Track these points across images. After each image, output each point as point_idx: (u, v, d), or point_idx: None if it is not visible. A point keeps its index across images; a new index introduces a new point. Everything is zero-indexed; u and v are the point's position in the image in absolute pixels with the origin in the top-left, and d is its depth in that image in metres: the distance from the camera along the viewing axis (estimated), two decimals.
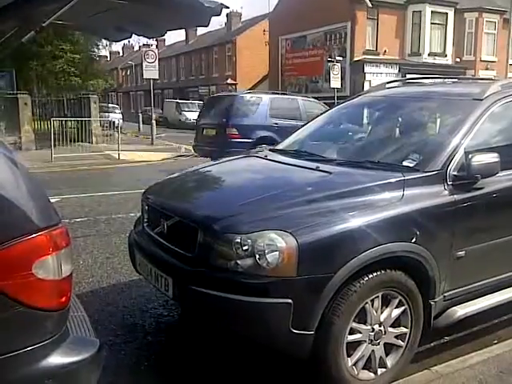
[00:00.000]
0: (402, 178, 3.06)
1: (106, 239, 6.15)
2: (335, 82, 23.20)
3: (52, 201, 2.10)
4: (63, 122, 16.97)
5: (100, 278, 4.81)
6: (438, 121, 3.84)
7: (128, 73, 61.33)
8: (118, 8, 2.73)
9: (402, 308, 3.01)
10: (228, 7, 2.99)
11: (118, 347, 3.47)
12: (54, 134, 15.09)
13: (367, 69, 25.56)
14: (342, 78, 24.31)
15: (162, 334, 3.75)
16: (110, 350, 3.40)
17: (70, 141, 16.76)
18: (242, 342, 3.17)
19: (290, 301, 2.60)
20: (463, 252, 3.16)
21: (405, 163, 3.30)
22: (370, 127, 4.34)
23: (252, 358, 3.31)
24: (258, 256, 2.64)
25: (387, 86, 4.63)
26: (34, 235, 1.83)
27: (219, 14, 2.85)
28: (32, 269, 1.81)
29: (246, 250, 2.66)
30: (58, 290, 1.93)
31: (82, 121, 17.97)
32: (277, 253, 2.61)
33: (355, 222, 2.77)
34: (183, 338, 3.80)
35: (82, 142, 17.36)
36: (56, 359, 1.91)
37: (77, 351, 2.01)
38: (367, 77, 25.38)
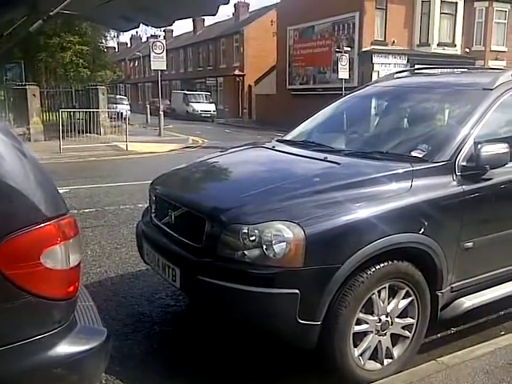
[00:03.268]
0: (411, 169, 3.05)
1: (114, 230, 6.18)
2: (343, 73, 23.06)
3: (60, 192, 2.12)
4: (71, 114, 17.00)
5: (108, 268, 4.83)
6: (447, 111, 3.81)
7: (136, 64, 61.29)
8: None
9: (409, 299, 3.01)
10: None
11: (125, 337, 3.49)
12: (63, 125, 15.14)
13: (375, 59, 25.34)
14: (350, 69, 24.15)
15: (169, 324, 3.77)
16: (117, 340, 3.43)
17: (79, 132, 16.81)
18: (249, 332, 3.18)
19: (296, 291, 2.60)
20: (471, 243, 3.14)
21: (413, 154, 3.28)
22: (378, 118, 4.31)
23: (259, 348, 3.32)
24: (265, 246, 2.64)
25: (396, 76, 4.59)
26: (42, 225, 1.84)
27: (227, 3, 2.83)
28: (40, 258, 1.82)
29: (253, 240, 2.67)
30: (66, 279, 1.94)
31: (90, 112, 18.01)
32: (284, 243, 2.61)
33: (363, 212, 2.77)
34: (190, 328, 3.82)
35: (90, 133, 17.40)
36: (64, 348, 1.93)
37: (84, 340, 2.02)
38: (375, 67, 25.17)
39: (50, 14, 2.28)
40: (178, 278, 2.96)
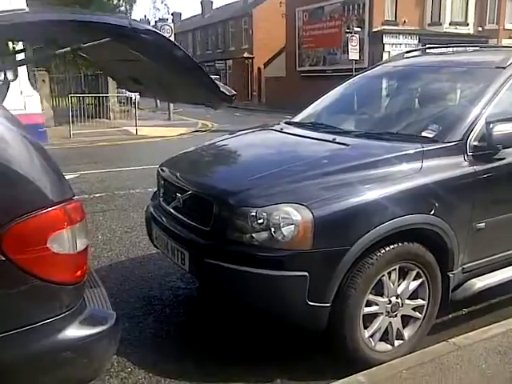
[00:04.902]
0: (421, 149, 3.00)
1: (125, 214, 6.20)
2: (353, 54, 22.78)
3: (71, 176, 2.14)
4: (81, 99, 17.01)
5: (119, 252, 4.86)
6: (459, 90, 3.73)
7: None
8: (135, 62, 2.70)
9: (420, 280, 2.99)
10: None
11: (136, 320, 3.52)
12: (72, 110, 15.16)
13: (386, 40, 24.98)
14: (361, 50, 23.85)
15: (179, 306, 3.78)
16: (128, 323, 3.46)
17: (88, 117, 16.83)
18: (258, 314, 3.18)
19: (305, 274, 2.59)
20: (483, 224, 3.10)
21: (424, 134, 3.23)
22: (388, 98, 4.25)
23: (269, 330, 3.32)
24: (273, 229, 2.62)
25: (406, 55, 4.50)
26: (48, 210, 1.84)
27: None
28: (47, 243, 1.82)
29: (262, 223, 2.65)
30: (73, 264, 1.94)
31: (99, 97, 18.01)
32: (292, 226, 2.59)
33: (372, 194, 2.74)
34: (201, 310, 3.84)
35: (99, 118, 17.42)
36: (73, 332, 1.94)
37: (93, 324, 2.03)
38: (386, 48, 24.82)
39: (62, 50, 2.27)
40: (187, 261, 2.96)
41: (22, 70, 8.03)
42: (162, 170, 3.59)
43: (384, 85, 4.34)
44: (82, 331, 1.98)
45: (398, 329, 2.98)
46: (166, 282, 4.14)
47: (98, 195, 7.18)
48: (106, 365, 2.23)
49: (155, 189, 3.79)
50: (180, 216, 3.15)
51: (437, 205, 2.88)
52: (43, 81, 16.68)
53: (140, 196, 7.03)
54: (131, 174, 8.78)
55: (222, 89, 2.52)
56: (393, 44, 24.96)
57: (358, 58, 23.09)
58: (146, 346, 3.20)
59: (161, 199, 3.51)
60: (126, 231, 5.50)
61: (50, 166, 1.92)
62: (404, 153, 2.98)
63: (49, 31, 2.25)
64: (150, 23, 60.05)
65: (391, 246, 2.78)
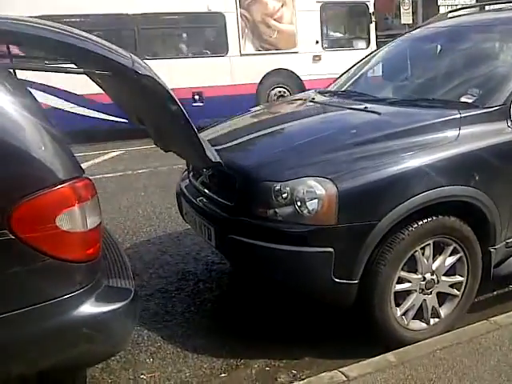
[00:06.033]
0: (458, 116, 2.80)
1: (166, 189, 6.21)
2: (406, 18, 21.76)
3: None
4: None
5: (157, 227, 4.90)
6: (503, 52, 3.44)
7: None
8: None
9: (457, 256, 2.82)
10: None
11: (169, 294, 3.54)
12: None
13: (441, 1, 23.75)
14: (414, 13, 22.78)
15: (212, 281, 3.77)
16: (161, 298, 3.49)
17: None
18: (287, 291, 3.11)
19: (330, 249, 2.49)
20: None
21: (463, 99, 3.01)
22: (428, 62, 3.98)
23: (299, 307, 3.25)
24: (297, 204, 2.53)
25: (449, 15, 4.21)
26: (56, 187, 1.83)
27: None
28: (56, 221, 1.82)
29: (286, 197, 2.56)
30: (84, 241, 1.93)
31: None
32: (316, 200, 2.49)
33: (402, 165, 2.58)
34: (233, 285, 3.83)
35: None
36: (88, 309, 1.94)
37: (110, 301, 2.03)
38: (441, 9, 23.55)
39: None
40: (213, 237, 2.92)
41: None
42: None
43: (424, 48, 4.07)
44: (98, 308, 1.98)
45: (433, 307, 2.84)
46: (200, 258, 4.14)
47: (141, 171, 7.26)
48: (125, 341, 2.23)
49: None
50: (206, 191, 3.11)
51: (475, 175, 2.69)
52: None
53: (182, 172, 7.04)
54: None
55: (207, 152, 2.44)
56: (448, 5, 23.69)
57: (410, 22, 22.04)
58: (177, 321, 3.21)
59: (190, 174, 3.47)
60: (167, 207, 5.53)
61: (59, 144, 1.91)
62: (438, 120, 2.79)
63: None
64: None
65: (424, 220, 2.63)
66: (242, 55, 10.31)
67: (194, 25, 10.07)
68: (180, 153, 2.83)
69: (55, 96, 8.87)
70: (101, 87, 2.74)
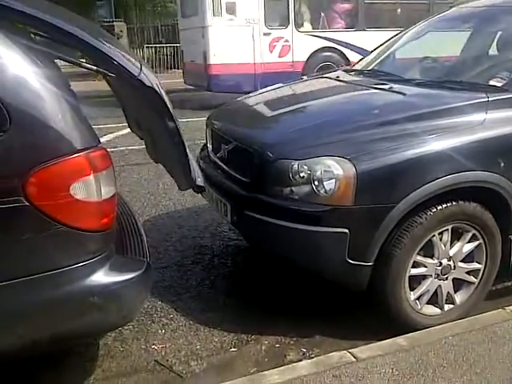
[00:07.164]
0: (485, 100, 2.71)
1: None
2: None
3: None
4: (158, 49, 17.17)
5: (177, 201, 4.93)
6: None
7: None
8: None
9: (476, 242, 2.76)
10: None
11: (184, 268, 3.57)
12: (148, 61, 15.36)
13: None
14: None
15: (228, 257, 3.79)
16: (176, 271, 3.52)
17: (166, 68, 16.99)
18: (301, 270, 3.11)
19: (346, 230, 2.46)
20: None
21: (492, 82, 2.92)
22: (459, 44, 3.86)
23: (314, 286, 3.24)
24: (314, 183, 2.50)
25: None
26: (71, 156, 1.83)
27: None
28: (70, 190, 1.83)
29: (303, 176, 2.53)
30: (98, 211, 1.94)
31: (177, 47, 18.07)
32: (333, 180, 2.45)
33: (424, 148, 2.52)
34: (249, 261, 3.83)
35: (177, 68, 17.53)
36: (100, 278, 1.96)
37: (123, 271, 2.05)
38: None
39: None
40: (229, 213, 2.92)
41: None
42: (210, 120, 3.53)
43: (455, 29, 3.95)
44: (111, 277, 2.00)
45: (448, 292, 2.80)
46: (217, 233, 4.15)
47: None
48: (135, 312, 2.26)
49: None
50: (224, 167, 3.10)
51: (500, 161, 2.62)
52: (121, 31, 16.98)
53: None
54: (199, 125, 8.79)
55: (192, 174, 2.41)
56: None
57: None
58: (191, 295, 3.24)
59: (209, 149, 3.46)
60: None
61: (76, 114, 1.90)
62: (465, 103, 2.71)
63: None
64: None
65: (444, 205, 2.57)
66: None
67: None
68: (168, 168, 2.82)
69: None
70: (110, 86, 2.70)
